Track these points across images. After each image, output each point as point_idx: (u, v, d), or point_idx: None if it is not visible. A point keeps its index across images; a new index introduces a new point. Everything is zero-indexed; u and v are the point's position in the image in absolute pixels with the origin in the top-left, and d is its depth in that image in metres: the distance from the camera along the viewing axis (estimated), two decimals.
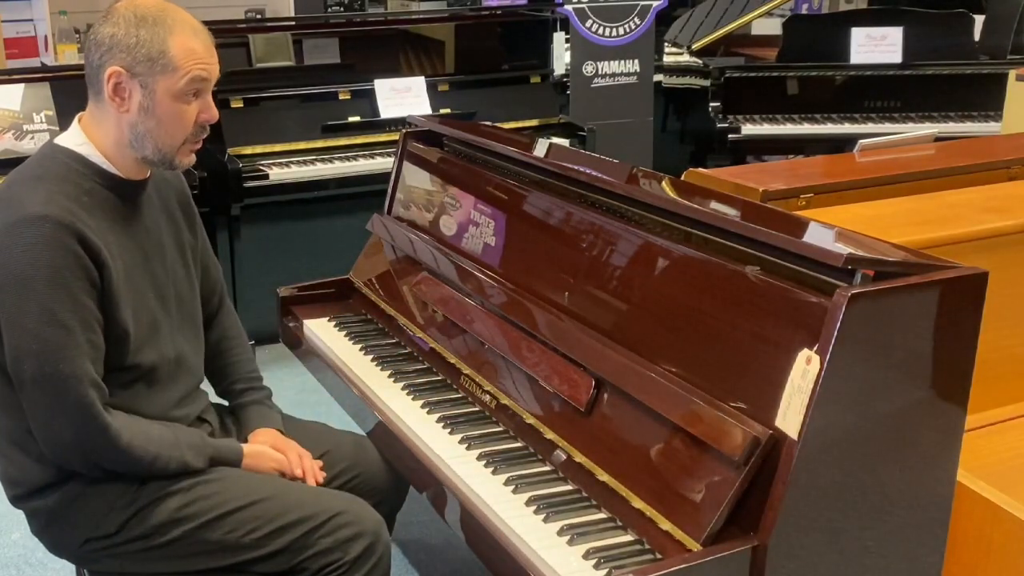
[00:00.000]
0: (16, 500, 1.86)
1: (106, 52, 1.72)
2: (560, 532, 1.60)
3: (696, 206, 1.78)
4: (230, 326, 2.14)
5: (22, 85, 3.75)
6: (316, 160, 4.00)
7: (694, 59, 4.99)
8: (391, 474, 2.09)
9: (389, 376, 2.18)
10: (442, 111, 4.25)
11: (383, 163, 3.95)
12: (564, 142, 4.28)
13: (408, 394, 2.09)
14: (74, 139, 1.80)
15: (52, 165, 1.77)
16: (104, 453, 1.74)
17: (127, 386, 1.80)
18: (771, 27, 5.82)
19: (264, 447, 1.97)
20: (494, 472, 1.78)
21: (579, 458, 1.73)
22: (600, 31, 4.61)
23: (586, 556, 1.54)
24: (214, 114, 1.80)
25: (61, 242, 1.66)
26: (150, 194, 1.89)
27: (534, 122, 4.44)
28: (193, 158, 1.84)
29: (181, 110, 1.75)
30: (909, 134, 3.10)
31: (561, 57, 4.61)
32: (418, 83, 4.25)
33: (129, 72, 1.72)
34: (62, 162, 1.77)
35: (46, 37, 5.40)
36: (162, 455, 1.78)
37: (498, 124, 4.13)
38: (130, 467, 1.77)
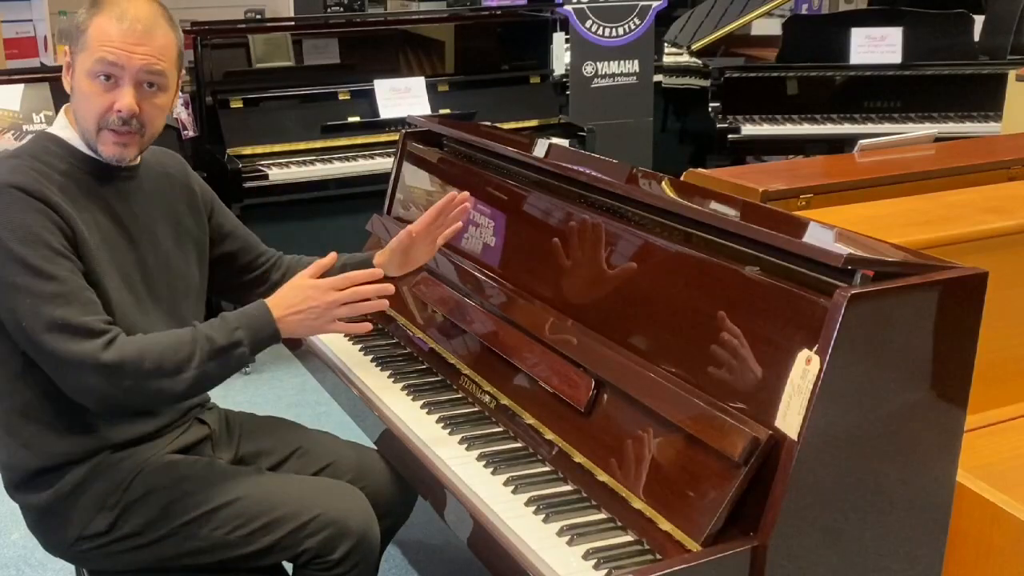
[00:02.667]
0: (12, 488, 1.87)
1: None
2: (560, 532, 1.60)
3: (696, 206, 1.78)
4: (288, 260, 2.15)
5: (22, 85, 3.75)
6: (316, 160, 4.00)
7: (694, 59, 4.99)
8: (397, 488, 2.08)
9: (389, 376, 2.18)
10: (442, 111, 4.25)
11: (383, 163, 3.96)
12: (564, 142, 4.28)
13: (408, 394, 2.09)
14: (58, 124, 1.84)
15: (30, 146, 1.82)
16: (132, 387, 1.67)
17: None
18: (771, 27, 5.82)
19: (292, 295, 1.77)
20: (494, 472, 1.78)
21: (579, 458, 1.73)
22: (600, 31, 4.61)
23: (586, 556, 1.54)
24: (125, 104, 1.74)
25: (30, 205, 1.68)
26: (142, 185, 1.90)
27: (534, 122, 4.44)
28: (121, 152, 1.78)
29: (91, 89, 1.75)
30: (909, 134, 3.10)
31: (561, 57, 4.62)
32: (418, 83, 4.25)
33: (70, 51, 1.79)
34: (40, 144, 1.82)
35: (46, 37, 5.40)
36: (192, 353, 1.69)
37: (498, 124, 4.13)
38: (166, 386, 1.68)
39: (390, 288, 1.81)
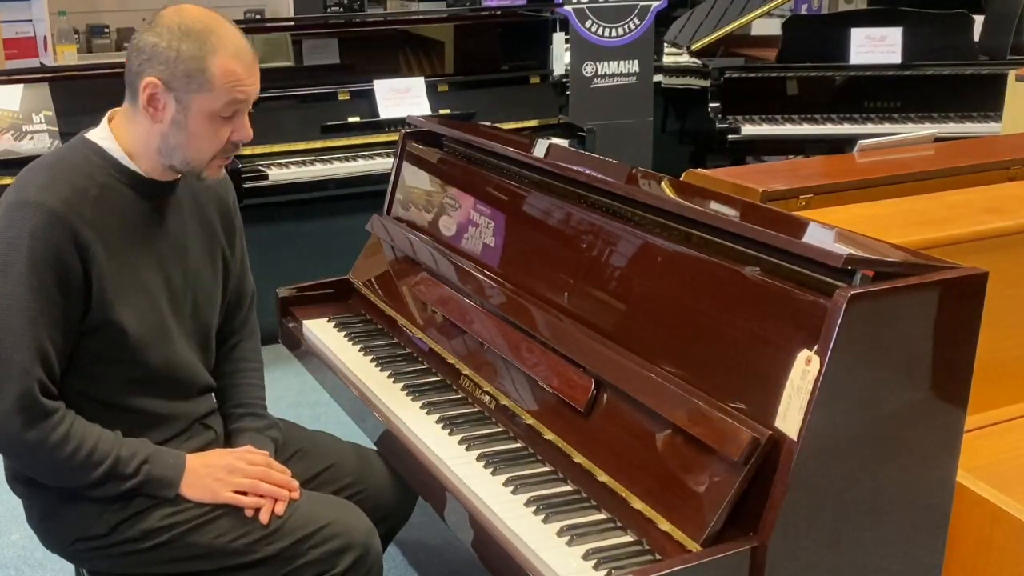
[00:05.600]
0: (14, 481, 1.86)
1: (146, 61, 1.71)
2: (560, 533, 1.60)
3: (696, 207, 1.78)
4: (249, 351, 2.10)
5: (21, 86, 3.75)
6: (315, 161, 4.00)
7: (694, 60, 4.99)
8: (397, 490, 2.08)
9: (388, 377, 2.18)
10: (441, 111, 4.25)
11: (382, 163, 3.95)
12: (564, 143, 4.28)
13: (407, 395, 2.09)
14: (99, 133, 1.81)
15: (70, 154, 1.79)
16: (27, 447, 1.70)
17: (127, 383, 1.81)
18: (771, 27, 5.82)
19: (216, 458, 1.84)
20: (494, 473, 1.78)
21: (578, 459, 1.73)
22: (600, 31, 4.61)
23: (586, 557, 1.54)
24: (247, 134, 1.78)
25: (48, 232, 1.67)
26: (180, 198, 1.88)
27: (534, 122, 4.44)
28: (223, 173, 1.85)
29: (214, 129, 1.74)
30: (909, 134, 3.10)
31: (561, 57, 4.61)
32: (417, 83, 4.25)
33: (166, 85, 1.71)
34: (81, 152, 1.79)
35: (45, 38, 5.40)
36: (96, 449, 1.72)
37: (498, 124, 4.13)
38: (58, 466, 1.72)
39: (289, 494, 1.85)
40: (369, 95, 4.18)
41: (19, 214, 1.68)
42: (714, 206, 1.83)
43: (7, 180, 3.61)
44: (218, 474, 1.81)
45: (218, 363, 2.05)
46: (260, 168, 3.88)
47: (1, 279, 1.67)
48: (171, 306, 1.85)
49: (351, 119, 4.14)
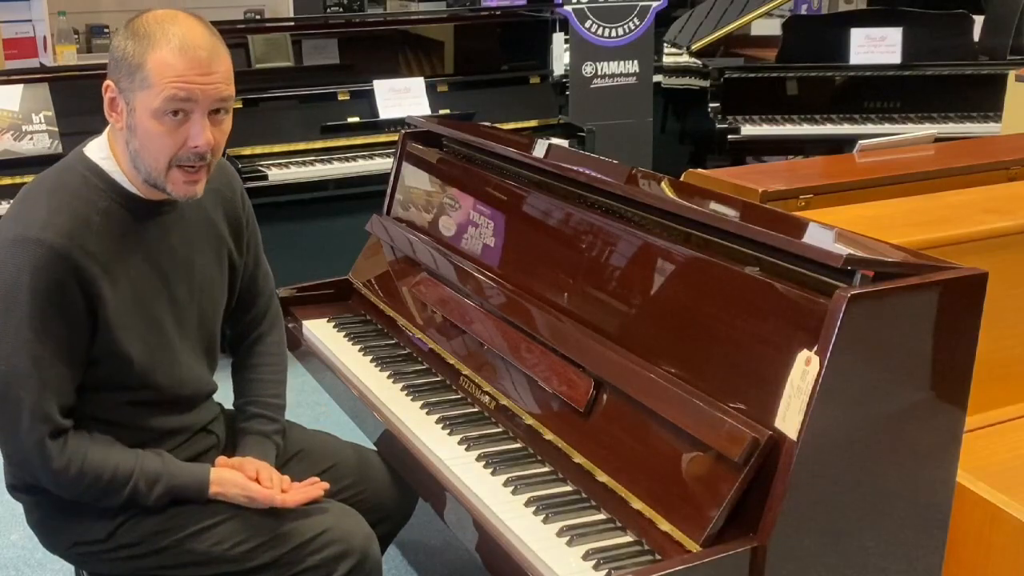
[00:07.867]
0: (12, 489, 1.86)
1: (109, 66, 1.68)
2: (560, 533, 1.60)
3: (695, 207, 1.77)
4: (271, 344, 2.06)
5: (21, 86, 3.75)
6: (315, 161, 4.00)
7: (693, 60, 4.99)
8: (397, 491, 2.07)
9: (388, 377, 2.18)
10: (441, 112, 4.25)
11: (382, 164, 3.95)
12: (563, 143, 4.28)
13: (407, 395, 2.09)
14: (99, 151, 1.74)
15: (71, 177, 1.72)
16: (49, 480, 1.72)
17: (132, 404, 1.79)
18: (771, 27, 5.82)
19: (232, 473, 1.83)
20: (493, 473, 1.78)
21: (578, 459, 1.73)
22: (599, 32, 4.61)
23: (585, 557, 1.54)
24: (201, 141, 1.64)
25: (50, 270, 1.62)
26: (183, 214, 1.81)
27: (533, 123, 4.44)
28: (193, 189, 1.70)
29: (159, 129, 1.64)
30: (909, 134, 3.10)
31: (560, 58, 4.62)
32: (417, 84, 4.25)
33: (117, 86, 1.66)
34: (81, 175, 1.71)
35: (45, 38, 5.40)
36: (115, 476, 1.73)
37: (498, 125, 4.13)
38: (76, 493, 1.74)
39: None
40: (369, 95, 4.18)
41: (19, 250, 1.62)
42: (714, 206, 1.83)
43: (7, 180, 3.61)
44: (238, 498, 1.82)
45: (240, 357, 2.03)
46: (260, 168, 3.88)
47: (4, 320, 1.64)
48: (176, 326, 1.81)
49: (351, 119, 4.14)
